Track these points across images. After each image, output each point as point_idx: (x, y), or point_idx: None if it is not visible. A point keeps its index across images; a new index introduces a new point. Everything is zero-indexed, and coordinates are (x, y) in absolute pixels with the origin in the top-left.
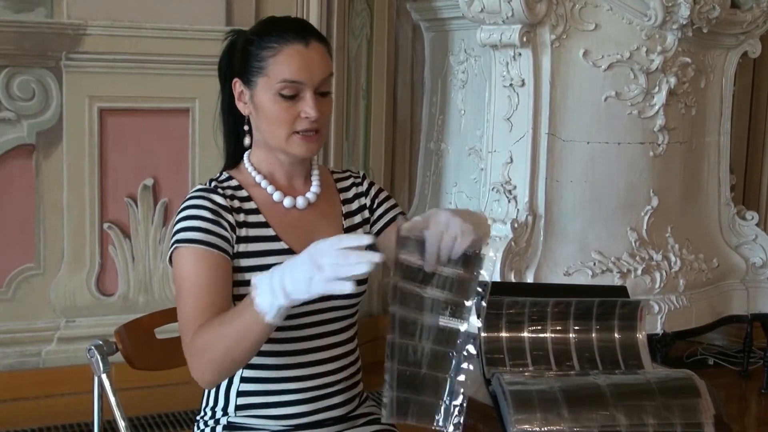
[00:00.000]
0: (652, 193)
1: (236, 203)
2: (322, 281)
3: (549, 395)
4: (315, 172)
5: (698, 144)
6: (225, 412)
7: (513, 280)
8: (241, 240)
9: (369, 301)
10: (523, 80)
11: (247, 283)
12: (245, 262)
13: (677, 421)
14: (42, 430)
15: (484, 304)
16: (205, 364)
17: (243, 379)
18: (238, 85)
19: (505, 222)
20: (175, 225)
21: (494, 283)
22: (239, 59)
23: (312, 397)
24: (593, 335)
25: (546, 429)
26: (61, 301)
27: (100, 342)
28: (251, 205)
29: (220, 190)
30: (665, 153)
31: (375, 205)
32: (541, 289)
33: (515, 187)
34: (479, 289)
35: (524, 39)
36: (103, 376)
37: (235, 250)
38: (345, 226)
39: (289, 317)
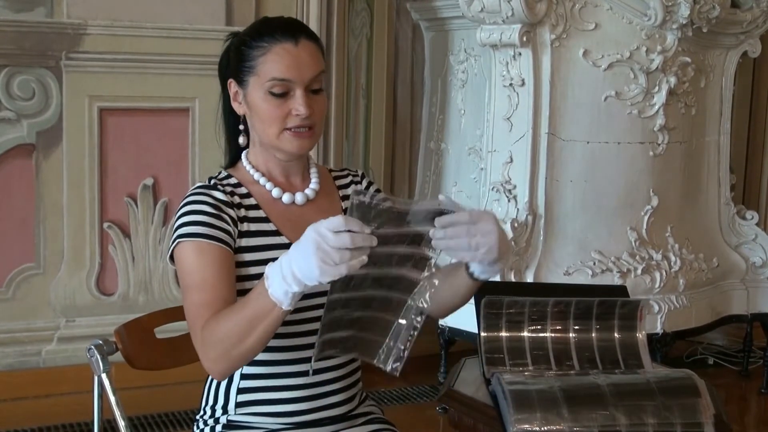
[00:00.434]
0: (652, 192)
1: (236, 199)
2: (330, 267)
3: (549, 395)
4: (313, 170)
5: (698, 144)
6: (225, 411)
7: (513, 280)
8: (243, 234)
9: None
10: (523, 80)
11: (251, 277)
12: (247, 257)
13: (677, 420)
14: (42, 429)
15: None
16: (218, 355)
17: (243, 376)
18: (233, 86)
19: (505, 222)
20: (176, 222)
21: (494, 283)
22: (233, 60)
23: (311, 395)
24: (593, 335)
25: (546, 429)
26: (61, 301)
27: (100, 341)
28: (251, 201)
29: (219, 186)
30: (665, 153)
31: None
32: (541, 289)
33: (515, 187)
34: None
35: (524, 39)
36: (103, 376)
37: (237, 245)
38: None
39: (289, 317)
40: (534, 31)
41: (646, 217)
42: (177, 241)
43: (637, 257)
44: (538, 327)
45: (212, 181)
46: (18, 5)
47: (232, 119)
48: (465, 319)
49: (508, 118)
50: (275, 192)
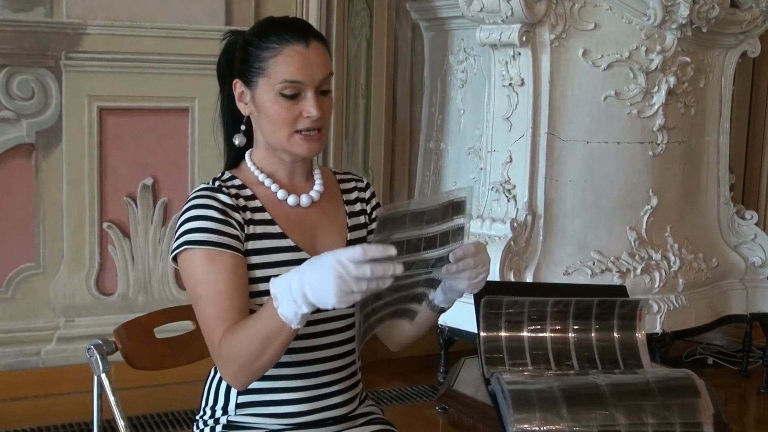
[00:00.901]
0: (651, 192)
1: (241, 201)
2: (347, 295)
3: (548, 395)
4: (317, 171)
5: (697, 143)
6: (225, 411)
7: (512, 280)
8: (249, 237)
9: None
10: (522, 80)
11: (257, 280)
12: (253, 260)
13: (676, 420)
14: (41, 429)
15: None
16: (236, 370)
17: None
18: (238, 86)
19: (505, 221)
20: (181, 224)
21: (494, 283)
22: (239, 60)
23: (312, 396)
24: (593, 335)
25: (545, 428)
26: (60, 301)
27: (100, 341)
28: (256, 203)
29: (224, 189)
30: (664, 152)
31: (371, 220)
32: (540, 289)
33: (514, 187)
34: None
35: (524, 38)
36: (103, 376)
37: (245, 248)
38: (349, 225)
39: None
40: (533, 30)
41: (645, 217)
42: (184, 247)
43: (637, 257)
44: (538, 327)
45: (216, 183)
46: (17, 5)
47: (232, 120)
48: (464, 318)
49: (507, 118)
50: (280, 194)
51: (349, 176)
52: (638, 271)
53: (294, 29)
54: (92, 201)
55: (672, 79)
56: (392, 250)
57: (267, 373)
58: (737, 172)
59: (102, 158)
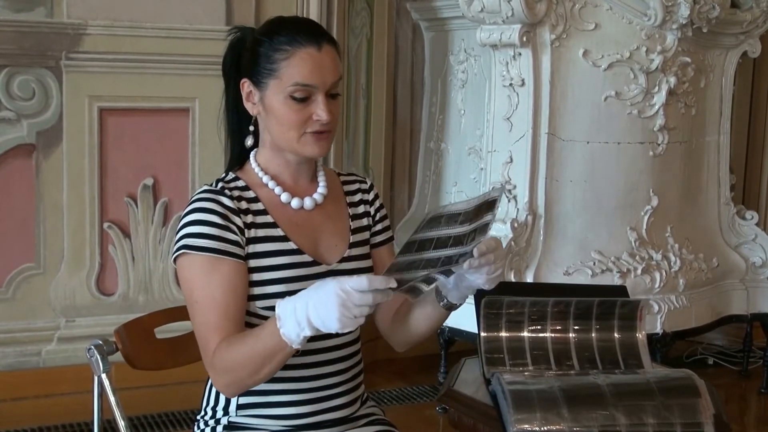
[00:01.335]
0: (651, 192)
1: (244, 204)
2: (350, 320)
3: (549, 395)
4: (321, 172)
5: (698, 144)
6: (226, 412)
7: (513, 280)
8: (250, 241)
9: None
10: (523, 80)
11: (258, 283)
12: (254, 263)
13: (677, 420)
14: (42, 429)
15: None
16: (230, 382)
17: None
18: (246, 86)
19: (505, 222)
20: (182, 227)
21: None
22: (248, 59)
23: (314, 398)
24: (593, 335)
25: (546, 429)
26: (61, 301)
27: (100, 341)
28: (259, 206)
29: (227, 191)
30: (665, 153)
31: (374, 222)
32: (540, 289)
33: (515, 187)
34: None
35: (524, 39)
36: (103, 376)
37: (245, 252)
38: (352, 228)
39: None
40: (534, 31)
41: (646, 217)
42: (183, 251)
43: (637, 257)
44: (538, 327)
45: (219, 184)
46: (18, 5)
47: (235, 118)
48: (465, 319)
49: (508, 118)
50: (284, 197)
51: (353, 178)
52: (639, 272)
53: (307, 31)
54: (93, 201)
55: (672, 80)
56: (393, 283)
57: None
58: (738, 173)
59: (102, 158)
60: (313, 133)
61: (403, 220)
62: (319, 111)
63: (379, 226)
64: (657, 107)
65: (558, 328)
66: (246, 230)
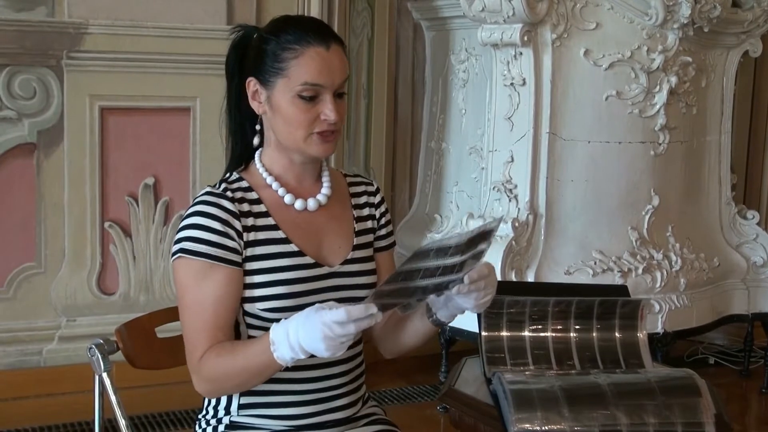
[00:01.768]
0: (652, 192)
1: (245, 206)
2: (338, 347)
3: (550, 394)
4: (325, 173)
5: (699, 143)
6: (227, 411)
7: (514, 280)
8: (249, 244)
9: None
10: (524, 79)
11: (257, 285)
12: (254, 265)
13: (678, 420)
14: (43, 428)
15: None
16: (215, 389)
17: None
18: (252, 84)
19: (506, 221)
20: (181, 229)
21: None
22: (254, 58)
23: (316, 399)
24: (594, 334)
25: (547, 428)
26: (62, 300)
27: (101, 341)
28: (261, 207)
29: (229, 193)
30: (666, 152)
31: (378, 226)
32: (541, 289)
33: (516, 186)
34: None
35: (525, 38)
36: (104, 375)
37: (244, 255)
38: (356, 230)
39: None
40: (535, 30)
41: (647, 217)
42: (180, 254)
43: (638, 257)
44: (539, 326)
45: (222, 186)
46: (19, 4)
47: (237, 117)
48: (466, 318)
49: (509, 118)
50: (287, 198)
51: (359, 179)
52: (640, 271)
53: (315, 30)
54: (93, 200)
55: (673, 79)
56: (373, 309)
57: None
58: (739, 172)
59: (103, 158)
60: (320, 134)
61: (404, 220)
62: (327, 111)
63: (383, 231)
64: (658, 107)
65: (559, 327)
66: (245, 233)
